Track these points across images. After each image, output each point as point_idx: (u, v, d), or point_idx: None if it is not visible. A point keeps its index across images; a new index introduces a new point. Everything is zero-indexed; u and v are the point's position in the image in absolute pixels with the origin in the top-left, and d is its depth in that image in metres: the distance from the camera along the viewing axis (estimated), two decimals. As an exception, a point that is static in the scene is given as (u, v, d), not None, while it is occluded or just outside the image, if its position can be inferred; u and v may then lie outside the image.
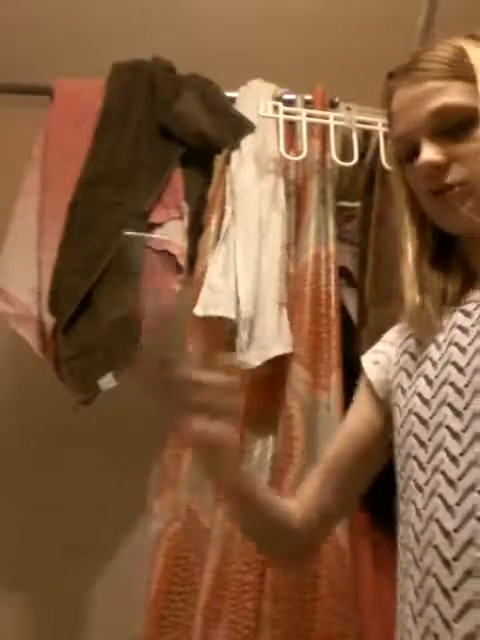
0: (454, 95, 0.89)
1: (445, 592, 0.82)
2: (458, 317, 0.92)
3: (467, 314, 0.91)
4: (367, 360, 1.06)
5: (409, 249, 0.96)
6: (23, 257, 1.69)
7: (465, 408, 0.86)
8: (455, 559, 0.82)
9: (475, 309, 0.91)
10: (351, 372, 1.57)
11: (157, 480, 1.63)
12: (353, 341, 1.63)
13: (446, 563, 0.83)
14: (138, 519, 1.92)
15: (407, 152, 0.94)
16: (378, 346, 1.07)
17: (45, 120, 1.79)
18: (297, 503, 1.05)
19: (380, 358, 1.04)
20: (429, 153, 0.90)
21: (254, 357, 1.55)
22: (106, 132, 1.75)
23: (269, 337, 1.56)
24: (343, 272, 1.73)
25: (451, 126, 0.90)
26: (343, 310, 1.68)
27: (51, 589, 1.94)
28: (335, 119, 1.70)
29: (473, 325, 0.89)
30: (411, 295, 0.95)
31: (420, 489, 0.88)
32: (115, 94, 1.79)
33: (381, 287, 1.61)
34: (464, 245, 0.96)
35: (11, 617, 1.97)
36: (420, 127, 0.91)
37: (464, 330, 0.90)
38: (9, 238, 1.71)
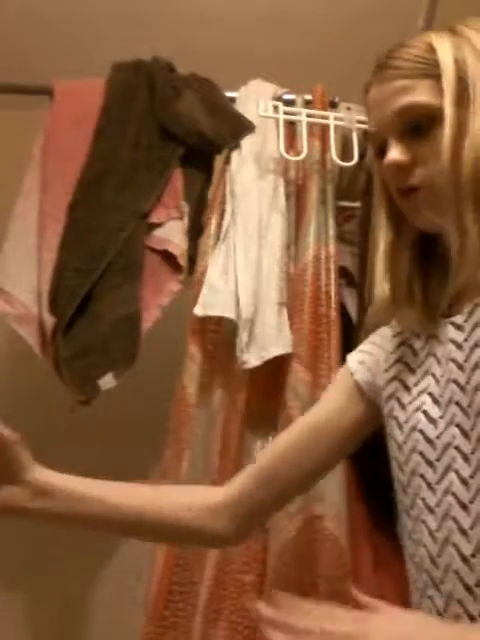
0: (421, 94, 0.87)
1: (472, 618, 0.81)
2: (450, 330, 0.89)
3: (458, 327, 0.88)
4: (353, 359, 1.05)
5: (382, 240, 0.94)
6: (23, 257, 1.69)
7: (472, 429, 0.84)
8: (477, 585, 0.81)
9: (465, 321, 0.88)
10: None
11: (157, 480, 1.63)
12: (353, 341, 1.63)
13: (468, 589, 0.82)
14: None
15: (379, 149, 0.93)
16: (364, 347, 1.05)
17: (45, 120, 1.79)
18: (220, 497, 1.04)
19: (366, 359, 1.02)
20: (394, 153, 0.89)
21: (254, 357, 1.55)
22: (106, 132, 1.75)
23: (269, 337, 1.56)
24: (343, 272, 1.73)
25: (417, 125, 0.88)
26: (343, 310, 1.68)
27: (51, 589, 1.94)
28: (335, 119, 1.70)
29: (465, 340, 0.87)
30: (381, 287, 0.93)
31: (431, 510, 0.86)
32: (115, 94, 1.79)
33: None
34: (445, 247, 0.93)
35: (11, 617, 1.97)
36: (388, 126, 0.90)
37: (458, 345, 0.87)
38: (9, 238, 1.71)
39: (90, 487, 1.03)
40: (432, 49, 0.88)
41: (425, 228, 0.92)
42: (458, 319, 0.89)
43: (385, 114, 0.90)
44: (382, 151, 0.92)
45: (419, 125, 0.88)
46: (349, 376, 1.03)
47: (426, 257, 0.95)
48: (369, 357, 1.02)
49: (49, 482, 0.98)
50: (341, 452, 1.05)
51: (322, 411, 1.05)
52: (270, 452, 1.08)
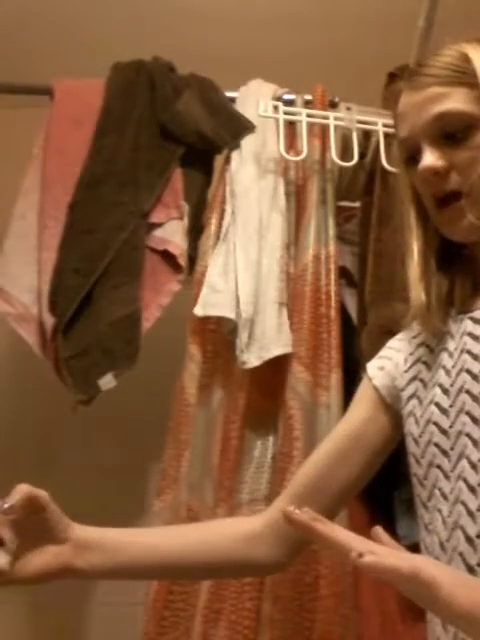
0: (457, 101, 0.90)
1: None
2: (468, 324, 0.92)
3: (477, 321, 0.92)
4: (372, 366, 1.06)
5: (415, 247, 0.97)
6: (23, 257, 1.69)
7: None
8: (479, 564, 0.82)
9: None
10: (351, 372, 1.59)
11: (157, 480, 1.63)
12: (353, 341, 1.63)
13: (471, 570, 0.83)
14: (138, 519, 1.92)
15: (411, 155, 0.95)
16: (384, 352, 1.07)
17: (45, 120, 1.79)
18: (260, 524, 1.03)
19: (386, 364, 1.04)
20: (429, 159, 0.91)
21: (254, 357, 1.55)
22: (106, 132, 1.75)
23: (269, 337, 1.56)
24: (343, 272, 1.73)
25: (453, 132, 0.91)
26: (343, 310, 1.68)
27: (51, 589, 1.94)
28: (335, 119, 1.70)
29: None
30: (417, 293, 0.95)
31: (445, 497, 0.88)
32: (115, 94, 1.79)
33: (381, 287, 1.61)
34: (471, 251, 0.97)
35: (11, 617, 1.97)
36: (422, 132, 0.92)
37: (475, 337, 0.90)
38: (9, 238, 1.71)
39: (129, 535, 1.00)
40: (467, 59, 0.91)
41: (457, 238, 0.93)
42: (478, 314, 0.92)
43: (419, 120, 0.92)
44: (413, 158, 0.94)
45: (454, 132, 0.91)
46: (369, 382, 1.05)
47: (445, 259, 0.97)
48: (388, 362, 1.04)
49: (89, 536, 0.95)
50: (376, 460, 1.04)
51: (350, 422, 1.05)
52: (307, 470, 1.06)
